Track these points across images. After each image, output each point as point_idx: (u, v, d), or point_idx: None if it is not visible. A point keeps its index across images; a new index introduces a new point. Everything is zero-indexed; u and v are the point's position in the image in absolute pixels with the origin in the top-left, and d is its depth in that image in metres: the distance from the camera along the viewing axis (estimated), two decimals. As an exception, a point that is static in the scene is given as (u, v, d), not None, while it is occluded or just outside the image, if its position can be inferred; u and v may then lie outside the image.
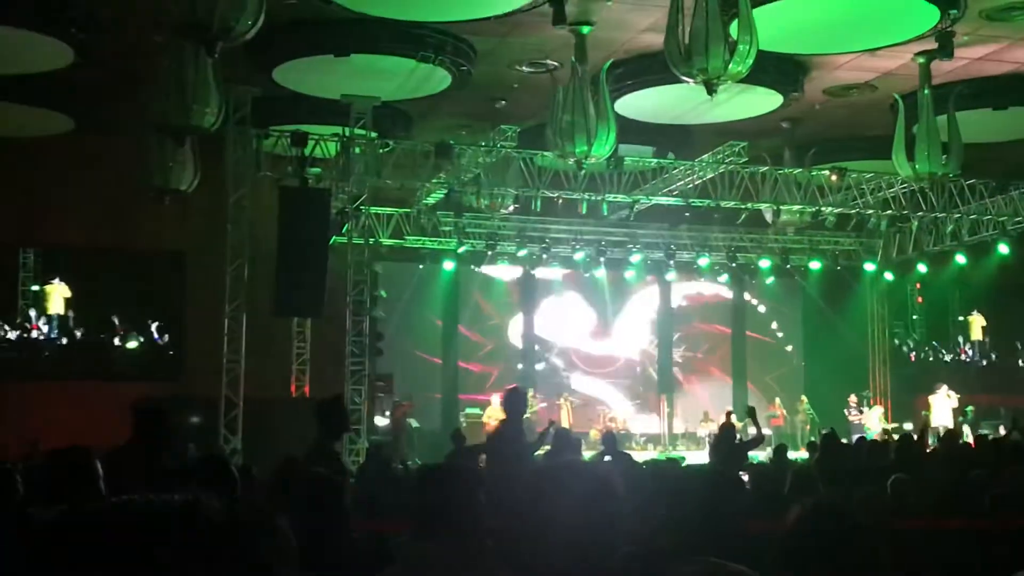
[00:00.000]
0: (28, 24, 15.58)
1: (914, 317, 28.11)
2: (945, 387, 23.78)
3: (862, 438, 16.41)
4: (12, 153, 20.74)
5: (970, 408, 23.63)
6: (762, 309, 27.73)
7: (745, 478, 8.92)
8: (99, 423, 18.37)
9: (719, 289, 27.19)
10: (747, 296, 27.54)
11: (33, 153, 20.84)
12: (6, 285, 22.37)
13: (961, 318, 27.97)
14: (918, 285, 27.23)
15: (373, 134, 18.71)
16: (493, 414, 22.83)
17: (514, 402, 9.93)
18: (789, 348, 27.77)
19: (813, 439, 18.54)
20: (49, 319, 22.04)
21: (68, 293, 22.10)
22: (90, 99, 19.17)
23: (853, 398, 24.68)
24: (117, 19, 15.90)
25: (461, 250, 23.79)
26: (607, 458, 11.92)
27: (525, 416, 22.43)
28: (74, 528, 1.67)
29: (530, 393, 24.21)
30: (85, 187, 21.27)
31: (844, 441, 14.76)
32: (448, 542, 3.21)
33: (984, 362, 27.60)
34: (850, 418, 24.02)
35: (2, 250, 22.22)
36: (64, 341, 22.08)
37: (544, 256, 24.28)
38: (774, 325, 27.81)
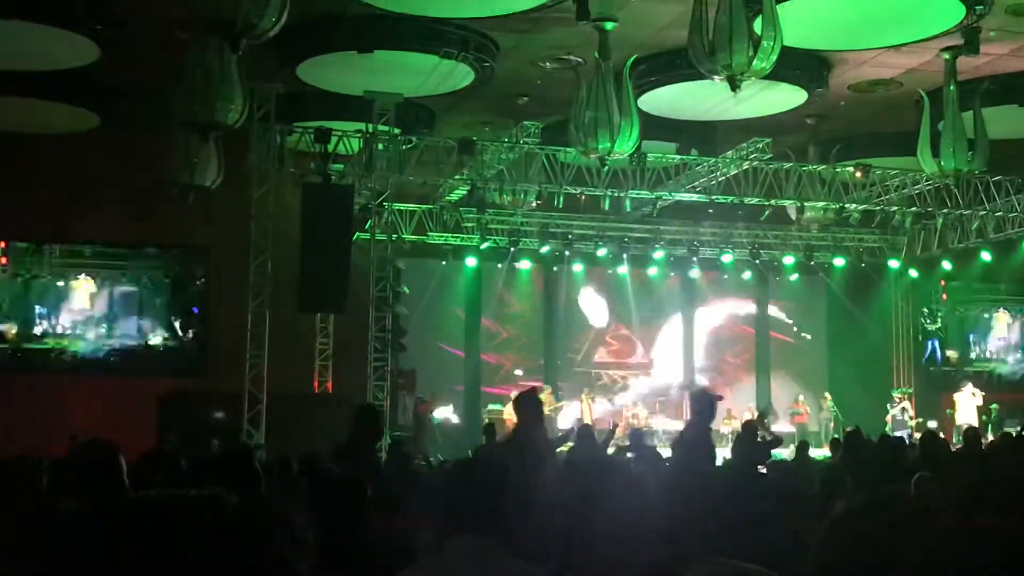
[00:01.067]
0: (54, 21, 15.69)
1: (939, 314, 27.85)
2: (970, 385, 23.63)
3: (884, 435, 16.30)
4: (39, 149, 20.90)
5: (994, 406, 23.49)
6: (786, 306, 27.60)
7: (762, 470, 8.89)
8: (124, 417, 18.60)
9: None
10: (771, 293, 27.39)
11: (59, 149, 21.00)
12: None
13: (986, 315, 27.77)
14: (943, 282, 26.99)
15: (396, 130, 18.74)
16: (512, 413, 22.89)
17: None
18: (813, 345, 27.63)
19: (837, 436, 18.46)
20: (74, 314, 22.19)
21: (94, 288, 22.24)
22: (115, 96, 19.28)
23: (897, 395, 24.51)
24: (142, 16, 15.99)
25: (484, 246, 23.79)
26: (629, 455, 11.90)
27: (546, 413, 22.47)
28: (95, 520, 1.69)
29: (547, 391, 24.27)
30: (110, 183, 21.41)
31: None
32: (473, 539, 3.21)
33: (1009, 360, 27.41)
34: (893, 412, 23.85)
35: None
36: (89, 336, 22.23)
37: (567, 252, 24.26)
38: (798, 322, 27.67)
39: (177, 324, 22.64)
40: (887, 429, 21.80)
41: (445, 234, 23.67)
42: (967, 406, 23.11)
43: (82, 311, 22.29)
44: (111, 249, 22.50)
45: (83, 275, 22.28)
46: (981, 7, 14.55)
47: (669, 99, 18.50)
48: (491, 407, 24.54)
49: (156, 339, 22.55)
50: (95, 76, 18.12)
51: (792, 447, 17.73)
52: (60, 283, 22.48)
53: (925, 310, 27.04)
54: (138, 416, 18.78)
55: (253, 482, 4.40)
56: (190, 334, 22.71)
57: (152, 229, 21.90)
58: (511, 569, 3.09)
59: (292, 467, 9.55)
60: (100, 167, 21.37)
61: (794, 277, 26.50)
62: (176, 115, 14.99)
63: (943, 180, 18.52)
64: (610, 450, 11.93)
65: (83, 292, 22.26)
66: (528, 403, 8.06)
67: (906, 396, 24.99)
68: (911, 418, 24.29)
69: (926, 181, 20.70)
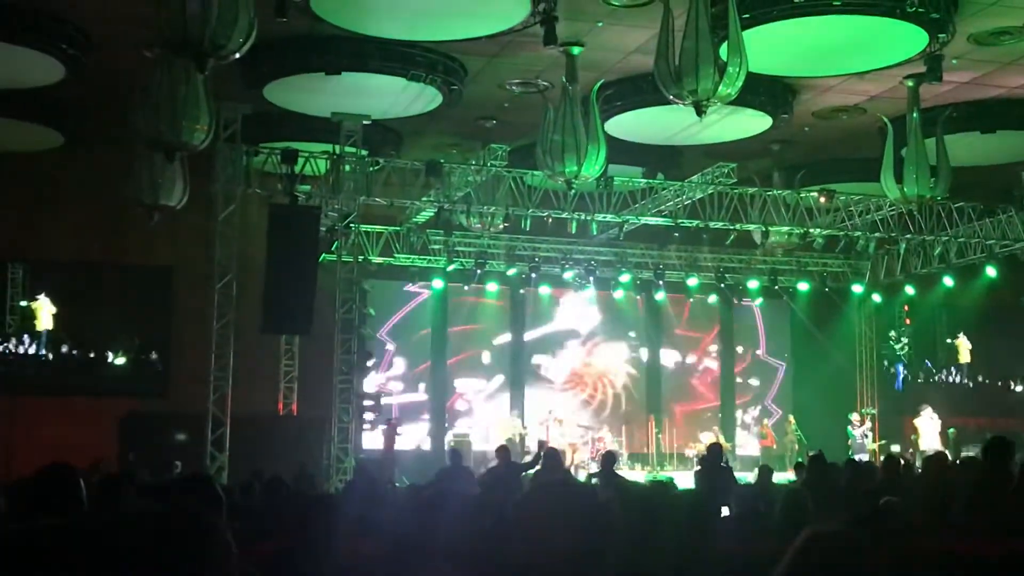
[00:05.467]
0: (19, 40, 15.59)
1: (902, 339, 28.00)
2: (929, 409, 23.77)
3: (850, 460, 16.36)
4: (2, 168, 20.70)
5: (952, 430, 23.57)
6: (750, 330, 27.70)
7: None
8: (86, 438, 18.39)
9: (708, 309, 27.11)
10: (735, 317, 27.49)
11: (23, 168, 20.83)
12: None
13: (948, 340, 27.96)
14: (906, 307, 27.19)
15: (363, 152, 18.71)
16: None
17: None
18: (777, 369, 27.75)
19: (801, 460, 18.52)
20: (36, 335, 21.92)
21: (54, 309, 21.99)
22: (80, 115, 19.18)
23: (856, 416, 24.61)
24: (108, 35, 15.92)
25: (450, 268, 23.78)
26: (594, 481, 11.89)
27: (508, 438, 22.58)
28: (50, 541, 1.68)
29: (515, 413, 24.31)
30: (74, 202, 21.25)
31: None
32: (435, 566, 3.19)
33: (971, 384, 27.59)
34: (855, 433, 23.89)
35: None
36: (51, 357, 21.97)
37: (533, 275, 24.27)
38: (762, 346, 27.79)
39: (140, 345, 22.41)
40: (850, 454, 21.87)
41: (412, 256, 23.65)
42: (929, 431, 23.23)
43: (43, 332, 22.02)
44: (74, 268, 22.27)
45: (43, 295, 22.00)
46: (944, 35, 14.73)
47: (635, 123, 18.59)
48: (457, 431, 24.52)
49: (119, 360, 22.33)
50: (59, 95, 18.00)
51: (756, 471, 17.77)
52: (21, 303, 22.21)
53: (892, 333, 27.22)
54: (100, 438, 18.58)
55: (215, 506, 4.36)
56: (153, 355, 22.49)
57: (116, 249, 21.74)
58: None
59: (255, 489, 9.48)
60: (63, 186, 21.21)
61: (759, 301, 26.66)
62: (141, 135, 14.90)
63: (906, 206, 18.68)
64: (581, 475, 11.90)
65: (44, 313, 21.99)
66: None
67: (867, 417, 25.12)
68: (873, 441, 24.41)
69: (889, 207, 20.87)
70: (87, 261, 22.10)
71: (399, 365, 24.98)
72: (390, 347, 24.61)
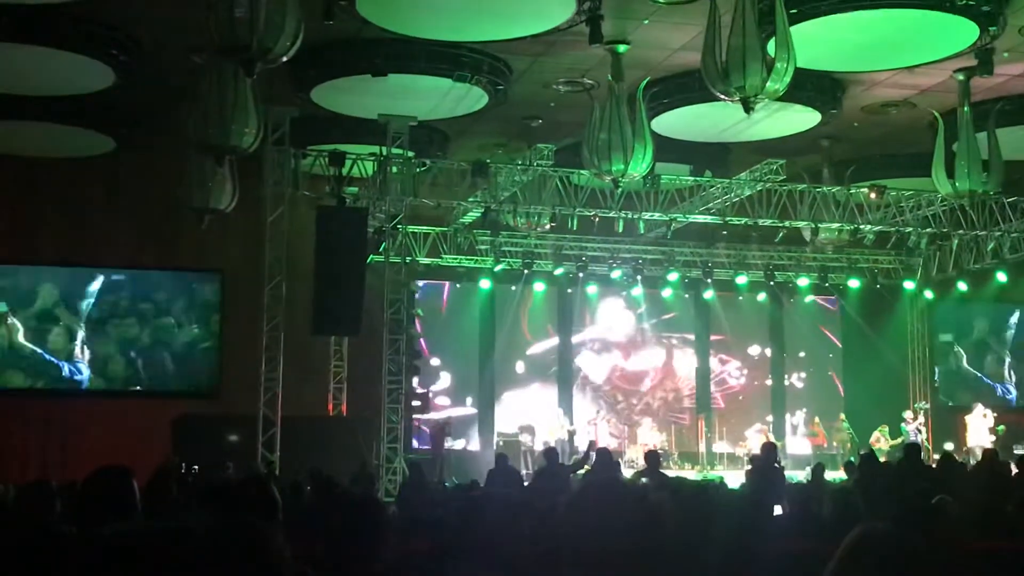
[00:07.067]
0: (70, 46, 15.80)
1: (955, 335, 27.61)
2: (981, 406, 23.46)
3: (901, 459, 16.17)
4: (55, 173, 21.00)
5: (1001, 427, 23.20)
6: (800, 327, 27.47)
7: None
8: (138, 440, 18.61)
9: (757, 307, 26.90)
10: (785, 314, 27.28)
11: (75, 173, 21.09)
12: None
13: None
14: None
15: (410, 153, 18.78)
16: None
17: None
18: (828, 367, 27.51)
19: (852, 459, 18.35)
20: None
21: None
22: (131, 120, 19.40)
23: (909, 413, 24.26)
24: (157, 41, 16.09)
25: (498, 268, 23.78)
26: (644, 480, 11.84)
27: (559, 438, 22.50)
28: (102, 548, 1.70)
29: (561, 412, 24.29)
30: (125, 206, 21.50)
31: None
32: (478, 567, 3.19)
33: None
34: (908, 430, 23.55)
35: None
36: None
37: (581, 274, 24.23)
38: (813, 343, 27.54)
39: (191, 347, 22.63)
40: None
41: (459, 256, 23.69)
42: (979, 428, 22.90)
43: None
44: (125, 272, 22.51)
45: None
46: (994, 28, 14.55)
47: (682, 121, 18.52)
48: (504, 431, 24.50)
49: (171, 362, 22.55)
50: (110, 100, 18.22)
51: (808, 469, 17.63)
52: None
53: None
54: (153, 439, 18.78)
55: (271, 510, 4.38)
56: (205, 357, 22.69)
57: (167, 252, 21.96)
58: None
59: (305, 490, 9.53)
60: (115, 191, 21.47)
61: (809, 298, 26.46)
62: (191, 139, 15.05)
63: (958, 201, 18.47)
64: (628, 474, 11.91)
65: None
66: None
67: (920, 412, 24.75)
68: (925, 440, 24.05)
69: (941, 202, 20.66)
70: (138, 265, 22.34)
71: (445, 379, 24.96)
72: (435, 362, 24.52)
